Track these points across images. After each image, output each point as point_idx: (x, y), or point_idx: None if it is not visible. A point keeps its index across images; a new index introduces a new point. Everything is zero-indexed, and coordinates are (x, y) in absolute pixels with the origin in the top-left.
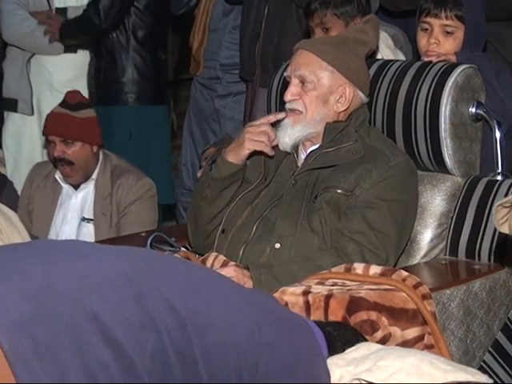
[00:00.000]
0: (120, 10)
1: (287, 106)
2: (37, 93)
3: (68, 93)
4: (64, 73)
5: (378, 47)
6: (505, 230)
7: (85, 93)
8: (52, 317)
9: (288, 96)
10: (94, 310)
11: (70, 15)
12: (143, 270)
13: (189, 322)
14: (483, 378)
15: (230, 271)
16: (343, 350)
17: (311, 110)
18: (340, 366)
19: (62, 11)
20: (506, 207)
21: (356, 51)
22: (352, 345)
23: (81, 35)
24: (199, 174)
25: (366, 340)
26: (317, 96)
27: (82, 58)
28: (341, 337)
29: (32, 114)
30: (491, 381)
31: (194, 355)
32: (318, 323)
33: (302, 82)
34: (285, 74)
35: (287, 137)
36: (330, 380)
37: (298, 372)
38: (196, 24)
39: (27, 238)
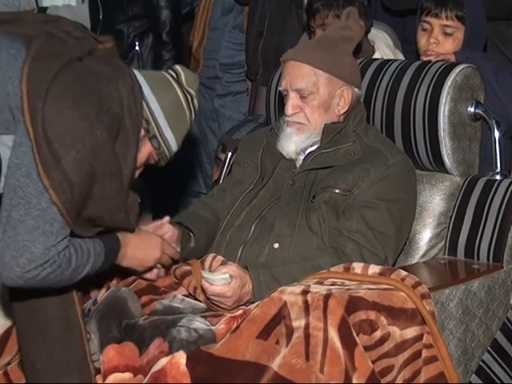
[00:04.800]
0: None
1: (288, 119)
2: None
3: None
4: None
5: (377, 47)
6: None
7: None
8: None
9: (289, 110)
10: None
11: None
12: None
13: None
14: None
15: (232, 268)
16: None
17: (314, 120)
18: None
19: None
20: None
21: (345, 49)
22: None
23: None
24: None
25: None
26: (318, 105)
27: None
28: None
29: None
30: None
31: None
32: None
33: (301, 94)
34: (280, 88)
35: (293, 144)
36: None
37: None
38: (196, 22)
39: None
